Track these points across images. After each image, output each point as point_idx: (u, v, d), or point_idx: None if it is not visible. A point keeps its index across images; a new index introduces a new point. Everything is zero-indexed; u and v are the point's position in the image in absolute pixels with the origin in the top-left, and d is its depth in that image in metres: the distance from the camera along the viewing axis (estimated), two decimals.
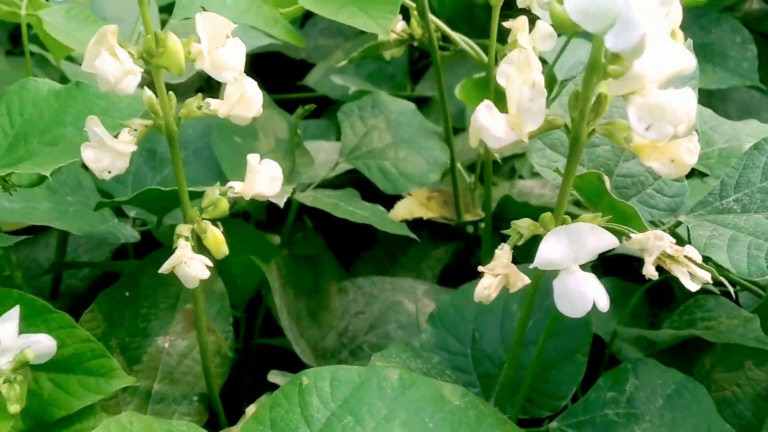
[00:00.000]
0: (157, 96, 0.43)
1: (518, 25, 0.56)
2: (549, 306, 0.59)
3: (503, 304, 0.62)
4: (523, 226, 0.39)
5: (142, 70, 0.38)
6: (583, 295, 0.36)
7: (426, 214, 0.87)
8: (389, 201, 0.80)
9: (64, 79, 1.25)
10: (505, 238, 0.73)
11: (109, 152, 0.41)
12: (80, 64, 0.82)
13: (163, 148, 0.71)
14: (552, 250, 0.36)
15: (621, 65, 0.32)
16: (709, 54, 0.88)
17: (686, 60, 0.32)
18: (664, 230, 0.49)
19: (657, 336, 0.65)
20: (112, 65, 0.36)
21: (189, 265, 0.44)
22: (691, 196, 0.53)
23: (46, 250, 0.75)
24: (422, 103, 0.99)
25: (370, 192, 0.78)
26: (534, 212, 0.76)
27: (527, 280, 0.38)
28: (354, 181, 0.82)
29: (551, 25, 0.31)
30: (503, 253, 0.38)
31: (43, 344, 0.47)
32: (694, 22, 0.90)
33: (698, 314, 0.65)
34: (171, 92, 0.43)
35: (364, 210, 0.66)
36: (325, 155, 0.83)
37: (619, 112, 0.44)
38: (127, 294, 0.60)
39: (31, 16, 0.65)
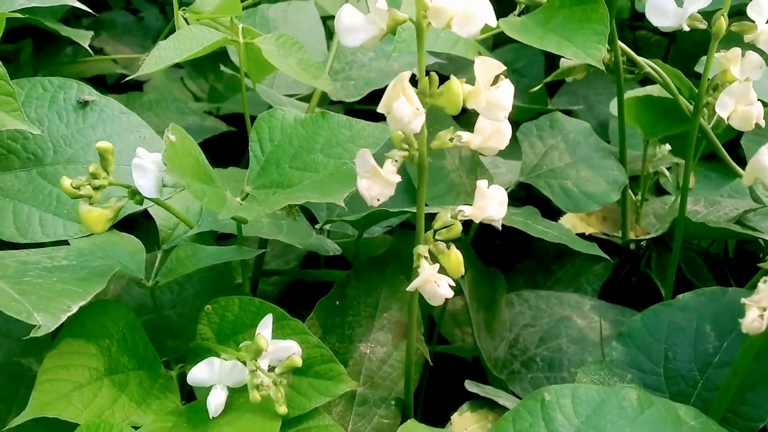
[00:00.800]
0: None
1: (731, 56, 0.58)
2: None
3: (695, 325, 0.63)
4: None
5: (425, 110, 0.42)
6: None
7: (587, 230, 0.88)
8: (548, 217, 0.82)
9: (214, 90, 1.33)
10: (664, 257, 0.73)
11: (379, 181, 0.45)
12: (268, 87, 0.87)
13: None
14: None
15: None
16: None
17: None
18: None
19: None
20: (407, 108, 0.40)
21: (439, 284, 0.48)
22: None
23: None
24: None
25: None
26: (711, 232, 0.78)
27: None
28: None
29: None
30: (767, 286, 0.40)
31: (293, 350, 0.52)
32: None
33: None
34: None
35: (552, 229, 0.68)
36: None
37: None
38: (337, 303, 0.64)
39: (233, 42, 0.70)
